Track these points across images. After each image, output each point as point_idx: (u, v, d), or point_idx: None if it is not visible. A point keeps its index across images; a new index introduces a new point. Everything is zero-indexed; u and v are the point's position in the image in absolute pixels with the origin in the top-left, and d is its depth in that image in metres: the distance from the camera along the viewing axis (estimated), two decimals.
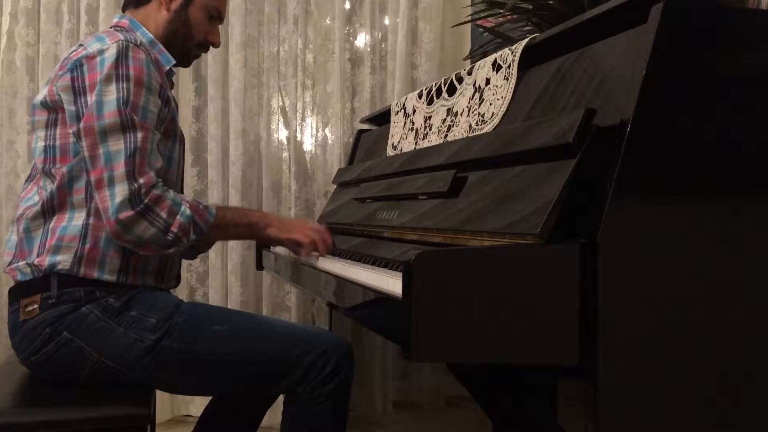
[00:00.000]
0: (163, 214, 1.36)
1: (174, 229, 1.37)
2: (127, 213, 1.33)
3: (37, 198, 1.44)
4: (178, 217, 1.38)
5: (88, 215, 1.41)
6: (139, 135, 1.37)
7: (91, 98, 1.37)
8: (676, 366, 0.98)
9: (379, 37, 2.75)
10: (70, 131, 1.40)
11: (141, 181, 1.35)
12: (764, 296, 1.00)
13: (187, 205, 1.40)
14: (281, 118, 2.76)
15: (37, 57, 2.72)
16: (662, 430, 0.99)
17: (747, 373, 1.00)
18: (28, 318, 1.38)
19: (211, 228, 1.44)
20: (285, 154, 2.75)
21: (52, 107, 1.43)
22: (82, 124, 1.37)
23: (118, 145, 1.36)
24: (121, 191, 1.34)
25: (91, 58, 1.40)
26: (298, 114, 2.72)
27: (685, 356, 0.98)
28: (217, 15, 1.65)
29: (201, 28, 1.62)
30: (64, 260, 1.38)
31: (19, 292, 1.41)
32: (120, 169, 1.35)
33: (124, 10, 1.62)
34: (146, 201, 1.35)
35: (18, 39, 2.70)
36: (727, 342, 1.00)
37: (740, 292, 1.00)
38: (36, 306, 1.38)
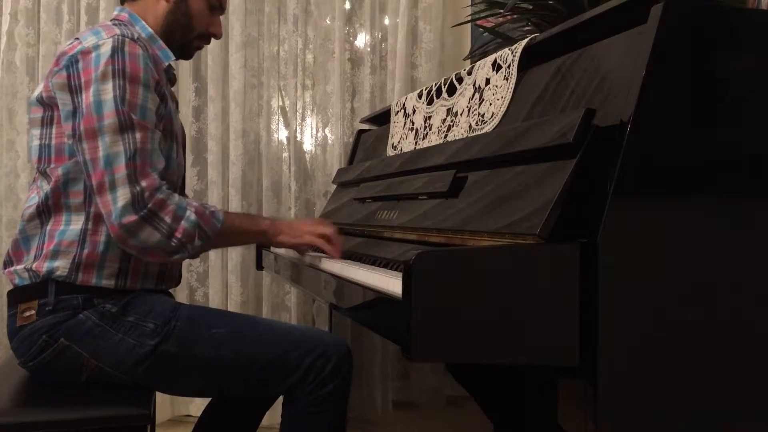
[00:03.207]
0: (168, 219, 1.33)
1: (178, 234, 1.34)
2: (131, 218, 1.31)
3: (36, 198, 1.42)
4: (182, 222, 1.35)
5: (86, 220, 1.38)
6: (138, 135, 1.34)
7: (88, 98, 1.34)
8: (676, 366, 0.98)
9: (379, 37, 2.75)
10: (66, 131, 1.37)
11: (143, 184, 1.32)
12: (764, 296, 1.00)
13: (193, 210, 1.37)
14: (281, 118, 2.76)
15: (37, 57, 2.72)
16: (662, 430, 0.99)
17: (747, 373, 1.00)
18: (25, 324, 1.37)
19: (218, 235, 1.40)
20: (285, 154, 2.75)
21: (48, 104, 1.40)
22: (82, 127, 1.34)
23: (117, 147, 1.32)
24: (123, 195, 1.31)
25: (86, 53, 1.36)
26: (298, 114, 2.72)
27: (685, 356, 0.98)
28: (218, 5, 1.60)
29: (202, 19, 1.58)
30: (62, 266, 1.36)
31: (16, 296, 1.40)
32: (121, 172, 1.32)
33: (122, 2, 1.58)
34: (150, 205, 1.32)
35: (18, 39, 2.71)
36: (727, 342, 1.00)
37: (740, 292, 1.00)
38: (33, 312, 1.36)
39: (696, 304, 0.98)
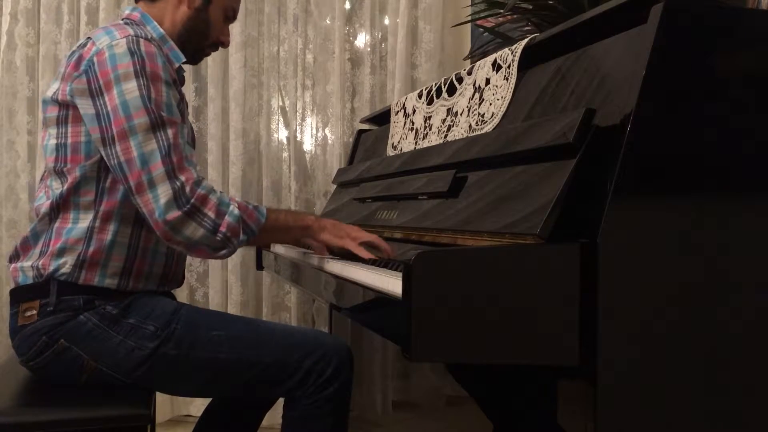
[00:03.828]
0: (211, 214, 1.32)
1: (223, 229, 1.33)
2: (175, 213, 1.30)
3: (44, 197, 1.42)
4: (226, 217, 1.33)
5: (95, 218, 1.38)
6: (170, 131, 1.33)
7: (113, 100, 1.32)
8: (676, 366, 0.98)
9: (379, 37, 2.75)
10: (94, 136, 1.35)
11: (183, 178, 1.31)
12: (764, 296, 1.00)
13: (236, 205, 1.36)
14: (281, 118, 2.76)
15: (37, 57, 2.71)
16: (662, 430, 0.99)
17: (747, 373, 1.00)
18: (26, 323, 1.37)
19: (262, 229, 1.39)
20: (285, 154, 2.75)
21: (63, 104, 1.39)
22: (114, 130, 1.32)
23: (151, 145, 1.31)
24: (164, 192, 1.30)
25: (100, 54, 1.35)
26: (298, 114, 2.72)
27: (684, 356, 0.98)
28: (232, 15, 1.61)
29: (217, 27, 1.59)
30: (66, 263, 1.36)
31: (18, 295, 1.40)
32: (158, 169, 1.30)
33: (137, 1, 1.56)
34: (193, 200, 1.31)
35: (18, 39, 2.70)
36: (726, 342, 1.00)
37: (740, 292, 1.00)
38: (34, 312, 1.36)
39: (696, 303, 0.98)
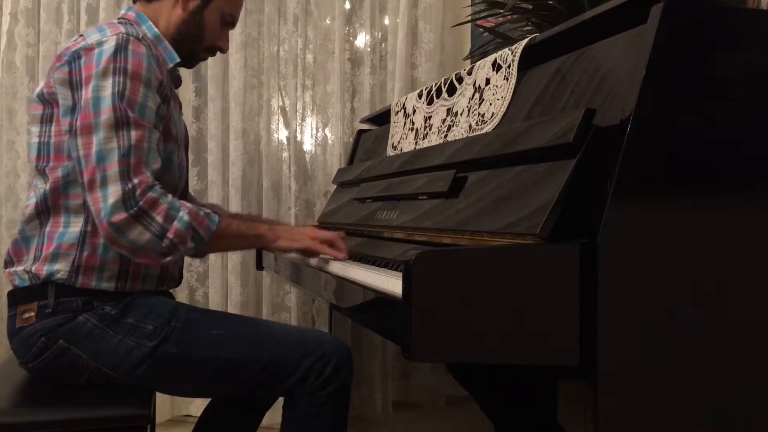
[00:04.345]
0: (159, 219, 1.30)
1: (170, 235, 1.31)
2: (121, 215, 1.28)
3: (34, 198, 1.41)
4: (174, 222, 1.31)
5: (86, 222, 1.37)
6: (134, 133, 1.31)
7: (87, 94, 1.32)
8: (676, 366, 0.98)
9: (379, 37, 2.75)
10: (63, 128, 1.35)
11: (135, 181, 1.29)
12: (764, 296, 1.00)
13: (186, 211, 1.34)
14: (281, 118, 2.76)
15: (37, 57, 2.72)
16: (662, 430, 0.99)
17: (747, 373, 1.00)
18: (24, 325, 1.36)
19: (212, 237, 1.38)
20: (285, 154, 2.75)
21: (48, 101, 1.38)
22: (78, 123, 1.31)
23: (111, 143, 1.29)
24: (114, 192, 1.28)
25: (89, 49, 1.35)
26: (298, 114, 2.72)
27: (685, 356, 0.98)
28: (230, 20, 1.60)
29: (213, 32, 1.57)
30: (61, 269, 1.35)
31: (16, 297, 1.40)
32: (113, 168, 1.29)
33: (134, 1, 1.56)
34: (141, 203, 1.29)
35: (18, 39, 2.71)
36: (726, 342, 1.00)
37: (740, 292, 1.00)
38: (32, 314, 1.36)
39: (696, 303, 0.98)
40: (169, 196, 1.35)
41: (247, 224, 1.51)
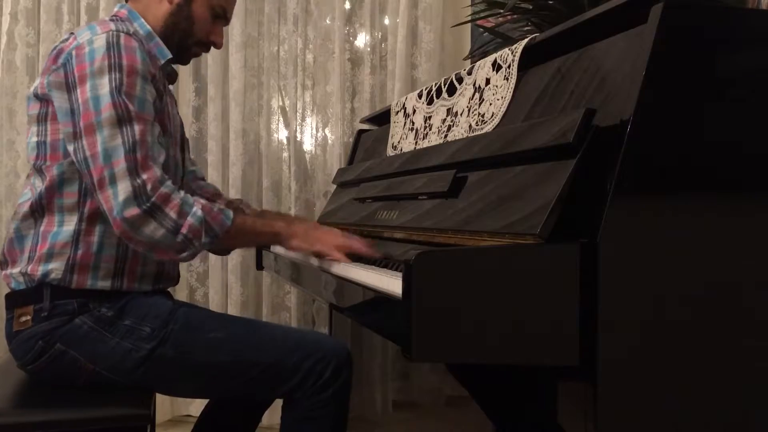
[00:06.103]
0: (172, 214, 1.29)
1: (184, 230, 1.30)
2: (134, 211, 1.27)
3: (29, 194, 1.41)
4: (188, 218, 1.30)
5: (80, 220, 1.37)
6: (137, 127, 1.31)
7: (85, 94, 1.31)
8: (676, 366, 0.98)
9: (379, 37, 2.75)
10: (64, 129, 1.35)
11: (145, 176, 1.29)
12: (764, 296, 1.00)
13: (200, 207, 1.33)
14: (281, 118, 2.76)
15: (37, 57, 2.72)
16: (662, 430, 0.99)
17: (747, 373, 1.00)
18: (21, 329, 1.36)
19: (227, 233, 1.36)
20: (285, 154, 2.75)
21: (43, 99, 1.38)
22: (81, 124, 1.31)
23: (115, 140, 1.29)
24: (123, 189, 1.27)
25: (80, 48, 1.34)
26: (298, 114, 2.72)
27: (685, 356, 0.98)
28: (222, 14, 1.57)
29: (203, 25, 1.54)
30: (56, 269, 1.35)
31: (12, 300, 1.39)
32: (120, 165, 1.28)
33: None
34: (153, 199, 1.28)
35: (18, 39, 2.70)
36: (727, 342, 1.00)
37: (740, 292, 1.00)
38: (29, 318, 1.35)
39: (696, 303, 0.98)
40: (182, 191, 1.34)
41: (263, 221, 1.50)
